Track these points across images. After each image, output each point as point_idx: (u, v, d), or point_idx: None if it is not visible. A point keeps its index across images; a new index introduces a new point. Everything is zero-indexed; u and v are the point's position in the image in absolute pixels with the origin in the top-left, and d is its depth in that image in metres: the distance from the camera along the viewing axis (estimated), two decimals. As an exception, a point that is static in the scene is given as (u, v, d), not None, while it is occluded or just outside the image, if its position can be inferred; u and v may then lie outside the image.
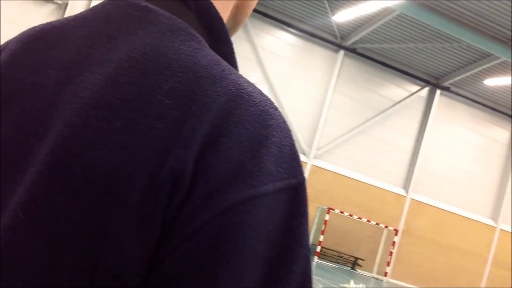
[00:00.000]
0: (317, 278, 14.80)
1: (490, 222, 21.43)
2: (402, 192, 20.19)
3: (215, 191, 0.42)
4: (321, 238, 18.82)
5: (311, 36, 18.26)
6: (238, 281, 0.41)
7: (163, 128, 0.43)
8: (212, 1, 0.56)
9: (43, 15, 9.00)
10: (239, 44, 17.68)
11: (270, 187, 0.43)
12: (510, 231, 21.60)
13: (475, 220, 21.16)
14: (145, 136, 0.43)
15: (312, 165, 19.09)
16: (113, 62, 0.47)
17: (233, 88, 0.46)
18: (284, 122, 0.48)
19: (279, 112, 0.48)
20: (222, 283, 0.40)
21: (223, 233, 0.41)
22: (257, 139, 0.44)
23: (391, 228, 19.70)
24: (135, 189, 0.41)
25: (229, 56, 0.55)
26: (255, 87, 0.48)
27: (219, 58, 0.50)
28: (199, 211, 0.41)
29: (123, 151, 0.42)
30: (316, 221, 19.22)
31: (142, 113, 0.43)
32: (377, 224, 19.49)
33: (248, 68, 17.58)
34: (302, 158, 19.00)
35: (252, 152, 0.43)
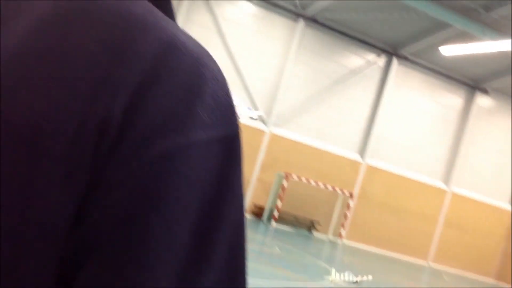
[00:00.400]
0: (275, 241, 15.28)
1: (442, 185, 22.25)
2: (358, 158, 20.73)
3: (144, 139, 0.41)
4: (279, 203, 19.29)
5: (272, 5, 18.28)
6: (171, 231, 0.40)
7: (90, 76, 0.41)
8: None
9: None
10: (200, 14, 17.62)
11: (203, 136, 0.42)
12: (461, 193, 22.51)
13: (428, 184, 21.95)
14: (70, 84, 0.41)
15: (271, 133, 19.37)
16: (39, 9, 0.45)
17: (166, 37, 0.44)
18: (220, 73, 0.46)
19: (216, 63, 0.47)
20: (154, 233, 0.39)
21: (154, 182, 0.40)
22: (190, 88, 0.43)
23: (347, 192, 20.29)
24: (60, 139, 0.40)
25: (166, 9, 0.52)
26: (191, 38, 0.47)
27: (154, 8, 0.48)
28: (128, 159, 0.40)
29: (47, 100, 0.41)
30: (274, 187, 19.62)
31: (68, 60, 0.42)
32: (334, 189, 20.04)
33: (209, 37, 17.53)
34: (261, 126, 19.30)
35: (184, 101, 0.42)
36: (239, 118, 0.47)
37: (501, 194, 23.31)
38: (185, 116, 0.42)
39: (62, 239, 0.40)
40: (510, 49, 16.17)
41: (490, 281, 23.16)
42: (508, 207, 23.47)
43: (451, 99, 21.90)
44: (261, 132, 19.21)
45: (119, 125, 0.41)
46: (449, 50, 18.18)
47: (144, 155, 0.40)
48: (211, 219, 0.42)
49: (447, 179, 22.25)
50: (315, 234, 20.24)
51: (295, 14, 18.58)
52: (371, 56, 20.20)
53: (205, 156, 0.42)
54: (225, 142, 0.44)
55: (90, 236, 0.40)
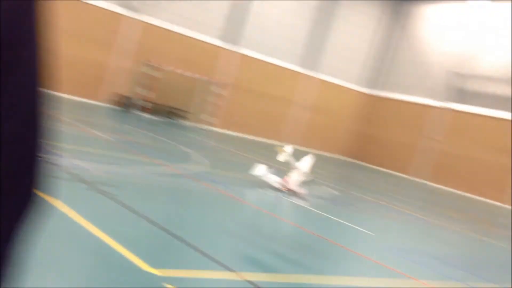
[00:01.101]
0: (144, 131, 15.40)
1: (307, 71, 23.20)
2: (233, 47, 20.96)
3: None
4: (152, 94, 19.23)
5: None
6: None
7: None
8: None
9: None
10: None
11: None
12: (323, 78, 23.60)
13: (289, 69, 22.74)
14: None
15: (141, 21, 18.85)
16: None
17: None
18: None
19: None
20: None
21: None
22: None
23: (218, 81, 20.54)
24: None
25: None
26: None
27: None
28: None
29: None
30: (145, 77, 19.40)
31: None
32: (205, 78, 20.20)
33: None
34: (129, 14, 18.61)
35: None
36: None
37: (352, 77, 24.74)
38: None
39: None
40: None
41: (339, 157, 25.26)
42: (356, 88, 25.09)
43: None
44: (132, 21, 18.62)
45: None
46: None
47: None
48: (5, 61, 0.40)
49: (312, 65, 23.13)
50: (187, 123, 20.52)
51: None
52: None
53: None
54: None
55: None
